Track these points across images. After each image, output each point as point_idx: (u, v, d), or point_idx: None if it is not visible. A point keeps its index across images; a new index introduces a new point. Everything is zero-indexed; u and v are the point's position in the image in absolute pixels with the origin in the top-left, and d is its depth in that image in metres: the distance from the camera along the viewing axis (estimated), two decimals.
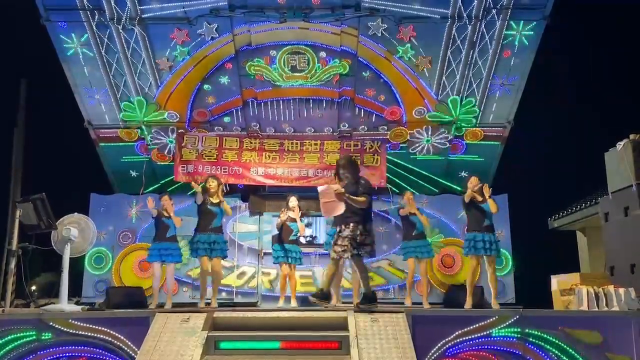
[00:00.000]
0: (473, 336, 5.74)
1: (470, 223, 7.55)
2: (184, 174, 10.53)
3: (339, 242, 6.12)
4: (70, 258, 7.57)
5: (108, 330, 5.88)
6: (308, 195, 8.61)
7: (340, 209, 5.98)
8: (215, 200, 7.84)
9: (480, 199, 7.45)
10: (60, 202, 7.91)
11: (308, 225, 8.94)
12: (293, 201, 8.66)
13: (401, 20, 9.98)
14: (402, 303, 9.55)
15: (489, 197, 7.42)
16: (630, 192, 7.55)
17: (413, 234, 8.28)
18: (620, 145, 7.82)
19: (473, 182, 7.53)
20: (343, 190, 5.96)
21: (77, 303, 9.05)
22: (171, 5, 9.89)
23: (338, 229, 6.17)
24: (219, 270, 7.98)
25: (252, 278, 10.50)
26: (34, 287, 15.21)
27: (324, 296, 6.35)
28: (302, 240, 9.69)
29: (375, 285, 10.27)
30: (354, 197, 6.00)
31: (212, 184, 7.92)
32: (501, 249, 10.48)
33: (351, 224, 6.05)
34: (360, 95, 10.91)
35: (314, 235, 10.66)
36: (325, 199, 6.01)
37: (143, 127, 11.05)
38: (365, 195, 6.07)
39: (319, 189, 6.06)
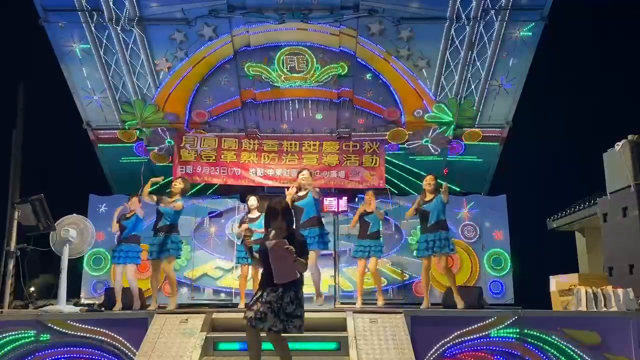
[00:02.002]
0: (472, 337, 5.75)
1: (420, 226, 7.64)
2: (183, 175, 10.52)
3: (256, 307, 4.49)
4: (69, 259, 7.56)
5: (107, 332, 5.88)
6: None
7: (293, 273, 4.52)
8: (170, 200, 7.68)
9: (428, 198, 7.52)
10: (58, 203, 7.90)
11: None
12: (252, 201, 8.41)
13: (400, 21, 10.00)
14: (403, 304, 9.57)
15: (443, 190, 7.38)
16: (628, 192, 7.53)
17: (367, 233, 8.21)
18: (619, 145, 7.81)
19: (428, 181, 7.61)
20: (293, 248, 4.44)
21: (75, 304, 9.03)
22: (170, 6, 9.90)
23: (259, 293, 4.58)
24: (168, 270, 7.54)
25: (251, 279, 10.47)
26: (32, 288, 15.19)
27: None
28: None
29: (374, 286, 10.27)
30: (301, 260, 4.54)
31: (176, 186, 7.76)
32: (499, 249, 10.59)
33: (280, 288, 4.47)
34: (358, 96, 10.91)
35: None
36: (278, 258, 4.50)
37: (142, 128, 11.05)
38: (305, 258, 4.64)
39: (268, 244, 4.56)
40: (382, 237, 8.52)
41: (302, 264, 4.58)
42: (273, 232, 4.67)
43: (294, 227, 4.81)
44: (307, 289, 9.46)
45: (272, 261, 4.50)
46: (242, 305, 8.40)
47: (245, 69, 10.61)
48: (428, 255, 7.41)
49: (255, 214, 8.27)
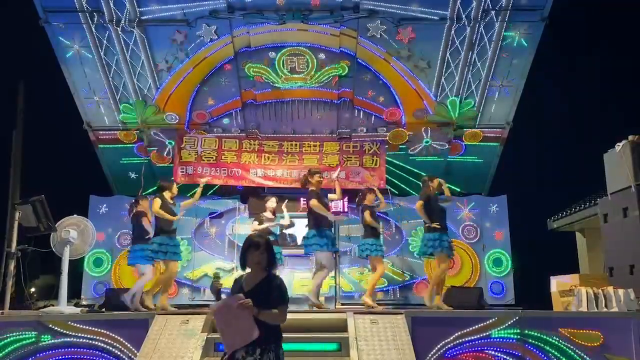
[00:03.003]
0: (472, 337, 5.75)
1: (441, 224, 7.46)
2: (183, 176, 10.52)
3: None
4: (69, 260, 7.56)
5: (107, 332, 5.88)
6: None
7: (252, 333, 3.55)
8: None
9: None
10: (59, 204, 7.90)
11: (290, 226, 8.96)
12: (272, 202, 8.61)
13: (400, 21, 10.00)
14: (403, 304, 9.58)
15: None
16: (629, 193, 7.53)
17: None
18: (619, 146, 7.81)
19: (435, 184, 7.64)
20: (251, 303, 3.53)
21: (76, 305, 9.04)
22: (170, 7, 9.92)
23: (228, 356, 3.67)
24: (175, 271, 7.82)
25: None
26: (33, 289, 15.18)
27: None
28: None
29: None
30: (269, 313, 3.63)
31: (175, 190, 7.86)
32: (500, 250, 10.61)
33: (258, 350, 3.62)
34: (359, 96, 10.92)
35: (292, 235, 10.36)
36: (226, 322, 3.60)
37: (142, 128, 11.05)
38: (283, 307, 3.73)
39: (212, 306, 3.78)
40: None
41: (278, 319, 3.68)
42: (247, 272, 3.87)
43: (276, 267, 3.98)
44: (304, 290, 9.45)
45: (220, 325, 3.62)
46: None
47: (246, 69, 10.62)
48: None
49: (270, 215, 8.54)
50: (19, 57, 16.06)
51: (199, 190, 8.16)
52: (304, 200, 10.59)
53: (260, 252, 3.82)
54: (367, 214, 7.86)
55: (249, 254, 3.84)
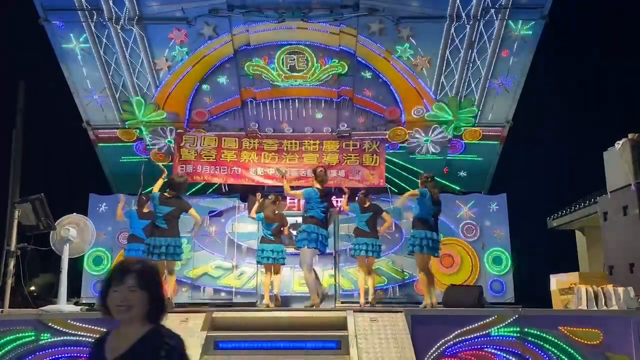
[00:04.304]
0: (472, 336, 5.73)
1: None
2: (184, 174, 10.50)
3: None
4: (69, 258, 7.55)
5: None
6: None
7: None
8: None
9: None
10: (59, 202, 7.90)
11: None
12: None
13: (400, 19, 10.01)
14: (403, 303, 9.57)
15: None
16: (629, 191, 7.53)
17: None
18: (619, 144, 7.80)
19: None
20: None
21: (76, 303, 9.03)
22: (170, 5, 9.91)
23: None
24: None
25: (251, 278, 10.49)
26: (33, 288, 15.19)
27: None
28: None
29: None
30: None
31: None
32: (500, 248, 10.61)
33: None
34: (359, 95, 10.91)
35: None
36: None
37: (142, 127, 11.04)
38: None
39: None
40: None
41: None
42: (114, 329, 2.43)
43: (164, 315, 2.42)
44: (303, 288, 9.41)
45: None
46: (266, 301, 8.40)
47: (245, 68, 10.62)
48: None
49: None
50: (18, 57, 16.04)
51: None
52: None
53: (130, 287, 2.27)
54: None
55: (110, 291, 2.31)
